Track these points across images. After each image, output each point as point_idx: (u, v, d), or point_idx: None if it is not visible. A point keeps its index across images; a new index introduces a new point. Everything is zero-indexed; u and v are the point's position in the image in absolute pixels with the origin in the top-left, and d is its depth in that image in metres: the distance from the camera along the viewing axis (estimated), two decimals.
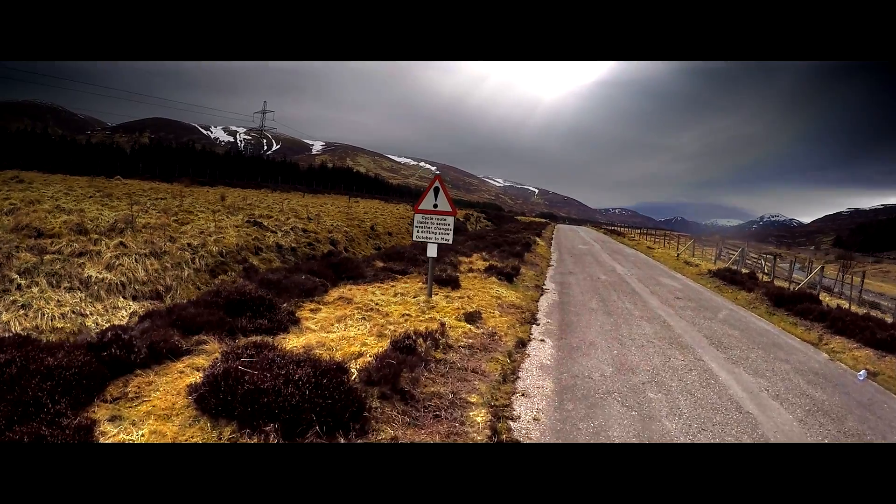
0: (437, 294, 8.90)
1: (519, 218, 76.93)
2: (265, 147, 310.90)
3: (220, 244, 13.40)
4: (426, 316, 7.22)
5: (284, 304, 6.88)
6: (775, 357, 7.28)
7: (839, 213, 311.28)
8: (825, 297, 13.52)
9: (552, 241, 29.32)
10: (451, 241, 8.14)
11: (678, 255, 23.38)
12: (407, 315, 7.21)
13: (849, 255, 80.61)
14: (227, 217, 17.60)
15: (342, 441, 3.36)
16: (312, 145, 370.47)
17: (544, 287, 11.78)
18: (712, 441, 4.33)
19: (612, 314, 9.27)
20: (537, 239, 26.12)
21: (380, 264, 11.96)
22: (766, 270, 21.08)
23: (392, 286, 9.50)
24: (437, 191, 7.99)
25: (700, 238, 27.88)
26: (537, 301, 10.04)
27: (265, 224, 17.29)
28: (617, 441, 4.18)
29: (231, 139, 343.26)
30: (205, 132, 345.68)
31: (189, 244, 12.64)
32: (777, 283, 15.61)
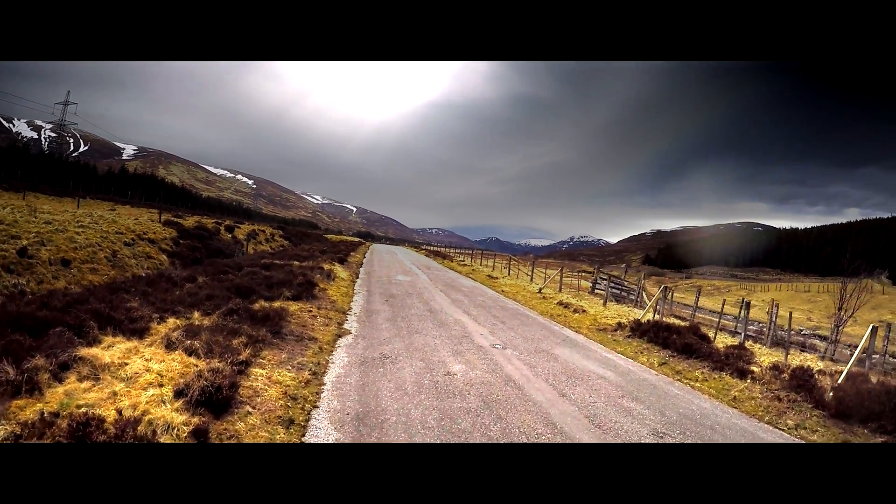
0: None
1: (329, 237, 67.53)
2: (71, 147, 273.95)
3: None
4: None
5: None
6: None
7: (643, 234, 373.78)
8: (819, 362, 8.05)
9: (362, 269, 21.13)
10: None
11: (540, 289, 17.14)
12: None
13: (660, 271, 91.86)
14: None
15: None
16: (124, 149, 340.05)
17: None
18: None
19: None
20: (337, 269, 17.53)
21: None
22: (642, 301, 16.37)
23: None
24: None
25: (564, 264, 22.61)
26: None
27: None
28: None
29: (35, 135, 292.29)
30: (6, 125, 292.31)
31: None
32: (727, 339, 10.03)
